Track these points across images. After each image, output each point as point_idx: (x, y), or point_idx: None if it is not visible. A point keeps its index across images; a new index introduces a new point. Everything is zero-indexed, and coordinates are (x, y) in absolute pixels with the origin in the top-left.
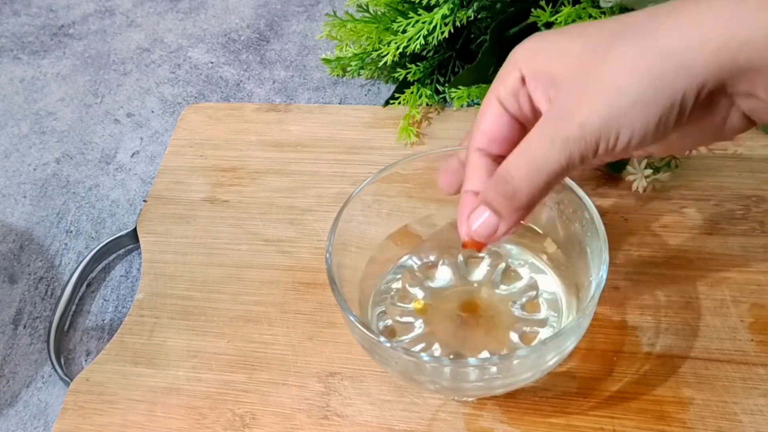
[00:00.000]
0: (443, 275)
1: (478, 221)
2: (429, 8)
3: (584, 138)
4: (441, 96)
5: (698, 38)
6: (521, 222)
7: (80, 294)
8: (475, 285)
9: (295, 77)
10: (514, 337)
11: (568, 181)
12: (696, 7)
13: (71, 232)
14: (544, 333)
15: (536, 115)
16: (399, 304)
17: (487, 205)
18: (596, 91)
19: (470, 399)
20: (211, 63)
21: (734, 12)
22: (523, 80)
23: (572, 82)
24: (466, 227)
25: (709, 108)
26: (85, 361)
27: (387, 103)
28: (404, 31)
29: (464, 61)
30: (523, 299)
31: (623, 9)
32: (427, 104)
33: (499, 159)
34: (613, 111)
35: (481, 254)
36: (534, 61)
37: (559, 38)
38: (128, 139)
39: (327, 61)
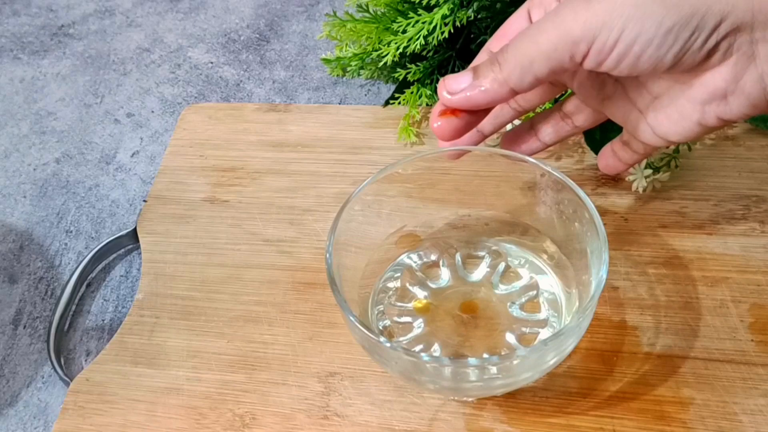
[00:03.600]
0: (443, 275)
1: (456, 76)
2: (429, 8)
3: (586, 23)
4: None
5: None
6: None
7: (80, 294)
8: (475, 285)
9: (295, 77)
10: (513, 337)
11: (568, 181)
12: None
13: (71, 232)
14: (544, 333)
15: None
16: (398, 303)
17: (473, 68)
18: None
19: (470, 399)
20: (211, 63)
21: None
22: None
23: None
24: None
25: (722, 54)
26: (85, 361)
27: (387, 103)
28: (404, 31)
29: (464, 61)
30: (523, 299)
31: None
32: (427, 104)
33: None
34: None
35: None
36: None
37: None
38: (128, 139)
39: (327, 61)
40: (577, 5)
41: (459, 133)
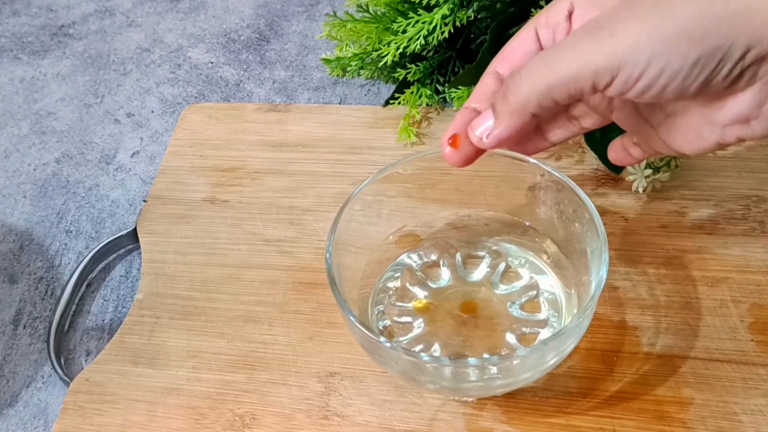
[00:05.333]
0: (443, 275)
1: (480, 120)
2: (429, 8)
3: (610, 56)
4: (441, 96)
5: None
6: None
7: (80, 294)
8: (475, 285)
9: (295, 77)
10: (513, 337)
11: (568, 181)
12: None
13: (71, 232)
14: (544, 333)
15: None
16: (399, 303)
17: (491, 105)
18: (642, 10)
19: (470, 399)
20: (211, 63)
21: None
22: (570, 15)
23: (621, 3)
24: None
25: (746, 81)
26: (85, 361)
27: (387, 103)
28: (404, 31)
29: (464, 61)
30: (523, 299)
31: None
32: (427, 104)
33: None
34: (653, 34)
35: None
36: None
37: None
38: (128, 139)
39: (327, 61)
40: (599, 35)
41: (472, 160)
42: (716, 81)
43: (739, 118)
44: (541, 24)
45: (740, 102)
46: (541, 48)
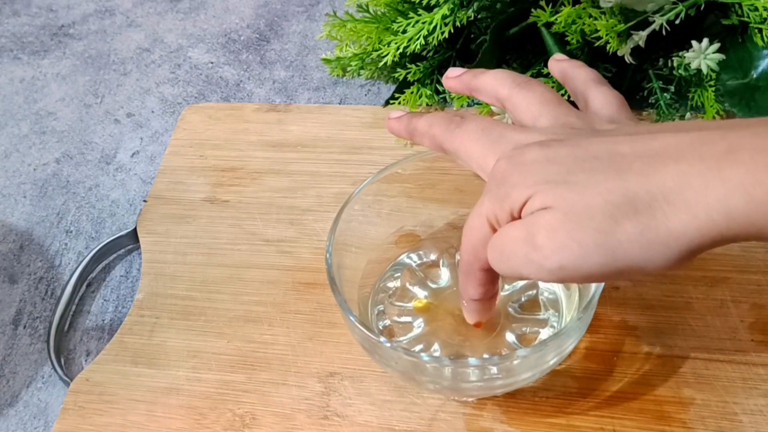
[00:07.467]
0: (443, 275)
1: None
2: (429, 8)
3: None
4: (441, 96)
5: (689, 214)
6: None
7: (80, 294)
8: None
9: (295, 77)
10: (513, 337)
11: None
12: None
13: (71, 232)
14: (545, 333)
15: None
16: (398, 303)
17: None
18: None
19: (470, 399)
20: (211, 63)
21: (720, 177)
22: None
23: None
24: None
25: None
26: (85, 361)
27: (387, 103)
28: (404, 31)
29: (464, 61)
30: (523, 299)
31: (623, 9)
32: (427, 104)
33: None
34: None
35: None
36: None
37: None
38: (128, 139)
39: (327, 61)
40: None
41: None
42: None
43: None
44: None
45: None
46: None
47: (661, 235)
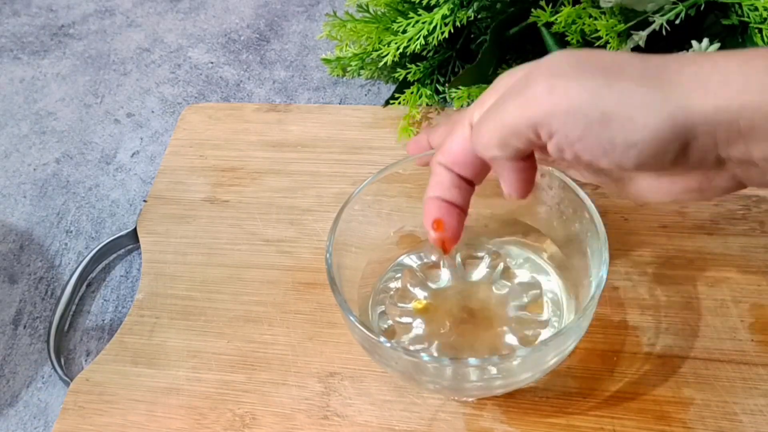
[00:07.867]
0: (443, 276)
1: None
2: (429, 8)
3: (519, 119)
4: (441, 96)
5: (702, 90)
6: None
7: (80, 294)
8: (475, 285)
9: (295, 77)
10: (513, 337)
11: (568, 181)
12: (705, 61)
13: (71, 232)
14: (545, 333)
15: None
16: (399, 304)
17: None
18: (573, 82)
19: (470, 399)
20: (211, 63)
21: (740, 71)
22: None
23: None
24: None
25: (696, 163)
26: (85, 361)
27: (387, 103)
28: (404, 31)
29: (464, 61)
30: (523, 299)
31: (623, 9)
32: (427, 104)
33: (460, 177)
34: (573, 102)
35: (479, 255)
36: None
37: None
38: (128, 139)
39: (327, 61)
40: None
41: (460, 232)
42: (667, 165)
43: (690, 189)
44: (475, 118)
45: (689, 178)
46: None
47: (658, 98)
